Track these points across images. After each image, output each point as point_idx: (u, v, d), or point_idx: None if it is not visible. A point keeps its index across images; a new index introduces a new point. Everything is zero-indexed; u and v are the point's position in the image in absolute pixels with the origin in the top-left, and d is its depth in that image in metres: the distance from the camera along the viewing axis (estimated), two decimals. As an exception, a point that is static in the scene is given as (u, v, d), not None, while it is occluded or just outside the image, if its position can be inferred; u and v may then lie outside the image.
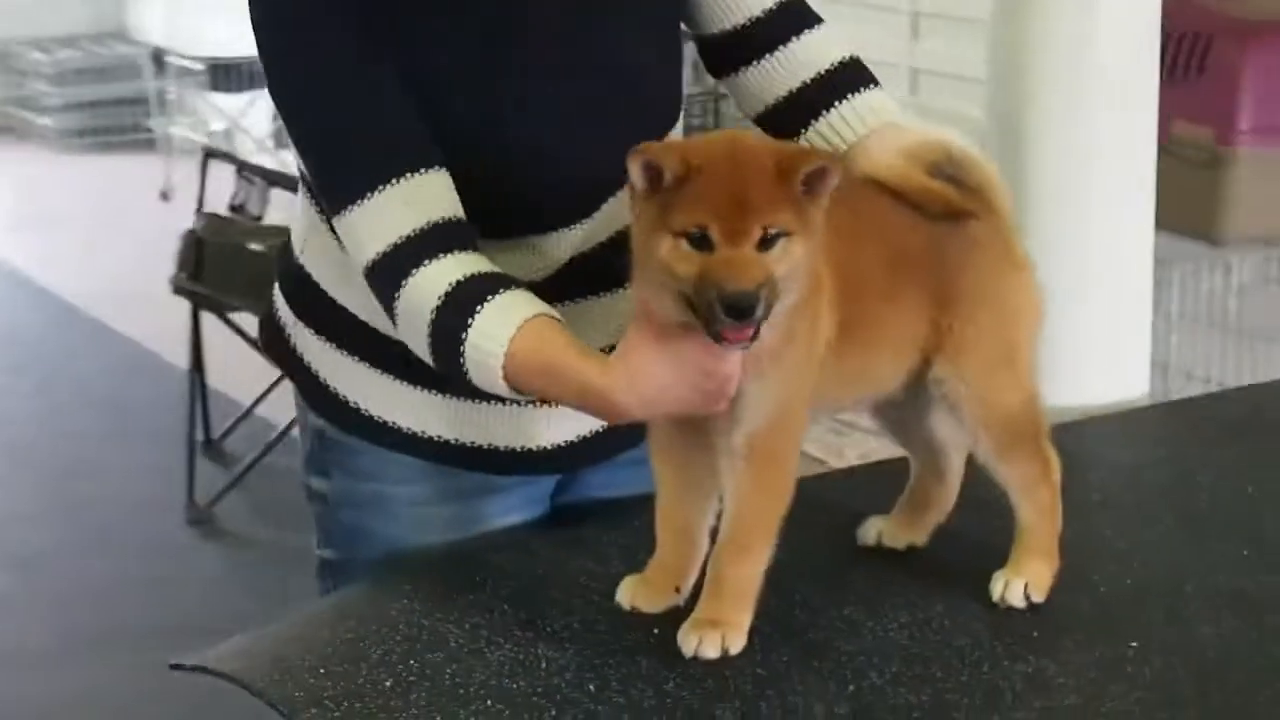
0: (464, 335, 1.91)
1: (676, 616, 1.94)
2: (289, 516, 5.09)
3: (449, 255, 1.96)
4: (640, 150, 1.78)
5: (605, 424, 2.17)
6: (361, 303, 2.13)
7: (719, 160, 1.77)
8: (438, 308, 1.93)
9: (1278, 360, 4.52)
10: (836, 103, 2.14)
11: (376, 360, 2.16)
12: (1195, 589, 2.02)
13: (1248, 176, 4.21)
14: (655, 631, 1.93)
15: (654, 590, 1.98)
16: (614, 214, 2.07)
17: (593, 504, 2.28)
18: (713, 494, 1.96)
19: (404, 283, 1.95)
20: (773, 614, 1.91)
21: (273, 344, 2.27)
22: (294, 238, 2.25)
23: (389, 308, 1.99)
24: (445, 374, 1.97)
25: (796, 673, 1.85)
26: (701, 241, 1.75)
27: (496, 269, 1.97)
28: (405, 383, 2.16)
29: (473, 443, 2.17)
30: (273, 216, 5.38)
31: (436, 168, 1.99)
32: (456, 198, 1.99)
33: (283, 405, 5.35)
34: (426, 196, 1.98)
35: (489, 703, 1.80)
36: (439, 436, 2.17)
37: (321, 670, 1.86)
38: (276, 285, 2.28)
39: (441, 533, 2.20)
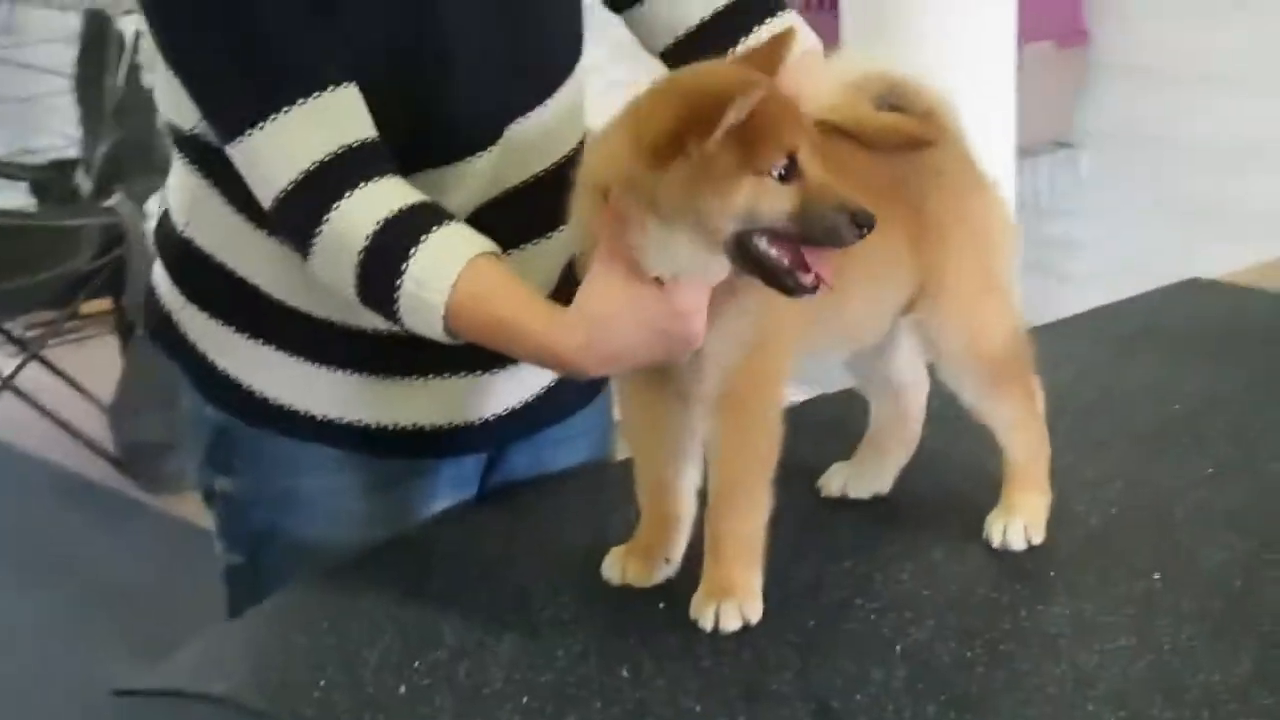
0: (400, 275, 1.74)
1: (674, 586, 1.82)
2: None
3: (374, 182, 1.78)
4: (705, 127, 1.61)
5: (535, 396, 2.05)
6: (265, 272, 1.95)
7: (758, 91, 1.64)
8: (368, 246, 1.75)
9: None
10: (751, 30, 2.03)
11: (285, 341, 1.98)
12: (1184, 513, 1.97)
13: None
14: (661, 606, 1.80)
15: (644, 563, 1.85)
16: (518, 156, 1.94)
17: (528, 485, 2.12)
18: (692, 451, 1.84)
19: (326, 215, 1.76)
20: (772, 572, 1.79)
21: (159, 332, 2.05)
22: (173, 209, 2.03)
23: (304, 244, 1.79)
24: (377, 314, 1.80)
25: (831, 635, 1.74)
26: (786, 174, 1.64)
27: (428, 198, 1.80)
28: (318, 364, 1.98)
29: (396, 425, 2.01)
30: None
31: (347, 83, 1.80)
32: (369, 116, 1.81)
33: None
34: (340, 115, 1.79)
35: (525, 700, 1.64)
36: (359, 421, 2.00)
37: (322, 682, 1.68)
38: (157, 265, 2.06)
39: (365, 527, 2.03)
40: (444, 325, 1.75)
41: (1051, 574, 1.86)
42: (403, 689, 1.67)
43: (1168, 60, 4.52)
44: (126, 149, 4.92)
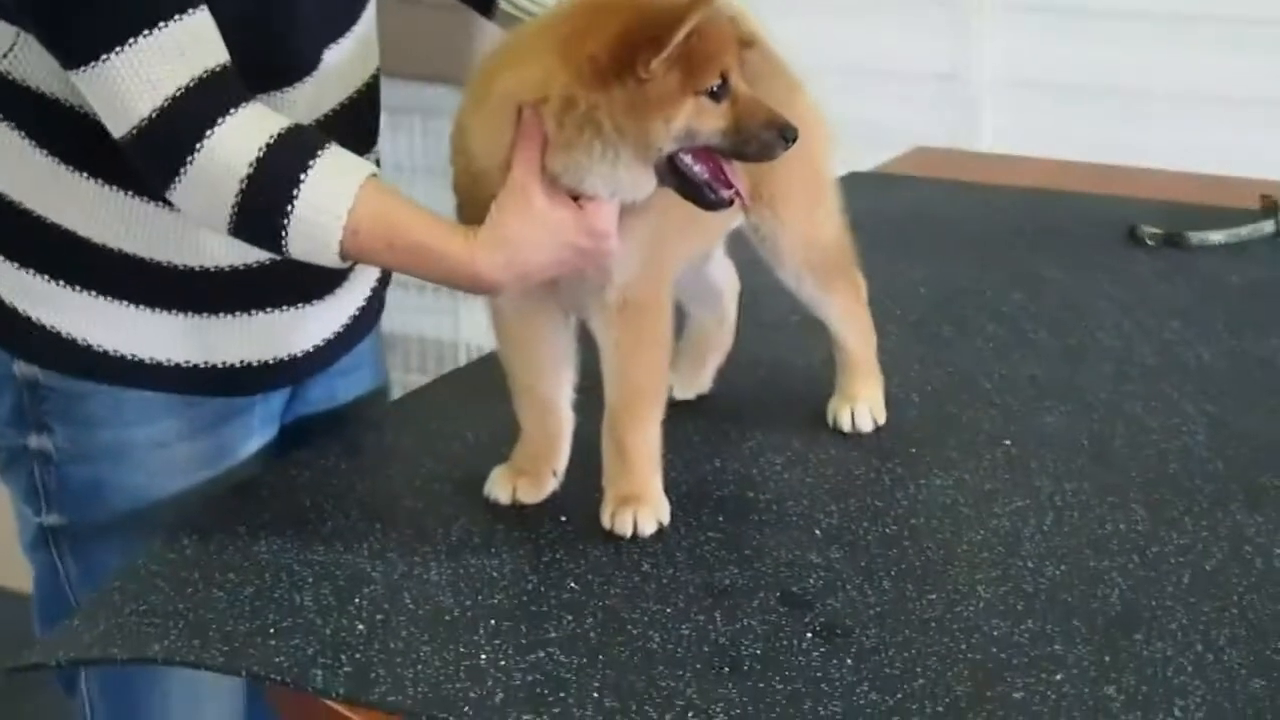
0: (291, 200, 1.68)
1: (563, 500, 1.82)
2: None
3: (242, 109, 1.70)
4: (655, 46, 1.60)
5: (341, 327, 2.01)
6: (78, 214, 1.84)
7: (705, 8, 1.63)
8: (252, 173, 1.68)
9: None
10: None
11: (103, 284, 1.87)
12: (993, 384, 2.09)
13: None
14: (562, 519, 1.80)
15: (533, 479, 1.84)
16: (332, 82, 1.91)
17: (323, 417, 2.09)
18: (567, 365, 1.85)
19: (198, 144, 1.67)
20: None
21: None
22: None
23: (169, 175, 1.69)
24: (250, 241, 1.73)
25: (748, 528, 1.77)
26: (719, 93, 1.64)
27: (296, 122, 1.74)
28: (138, 306, 1.89)
29: (222, 362, 1.93)
30: None
31: (200, 7, 1.71)
32: (222, 41, 1.72)
33: None
34: (199, 40, 1.70)
35: (492, 624, 1.61)
36: (184, 362, 1.91)
37: (271, 630, 1.60)
38: None
39: (190, 473, 1.95)
40: (340, 249, 1.69)
41: (912, 451, 1.93)
42: (360, 627, 1.61)
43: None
44: None
